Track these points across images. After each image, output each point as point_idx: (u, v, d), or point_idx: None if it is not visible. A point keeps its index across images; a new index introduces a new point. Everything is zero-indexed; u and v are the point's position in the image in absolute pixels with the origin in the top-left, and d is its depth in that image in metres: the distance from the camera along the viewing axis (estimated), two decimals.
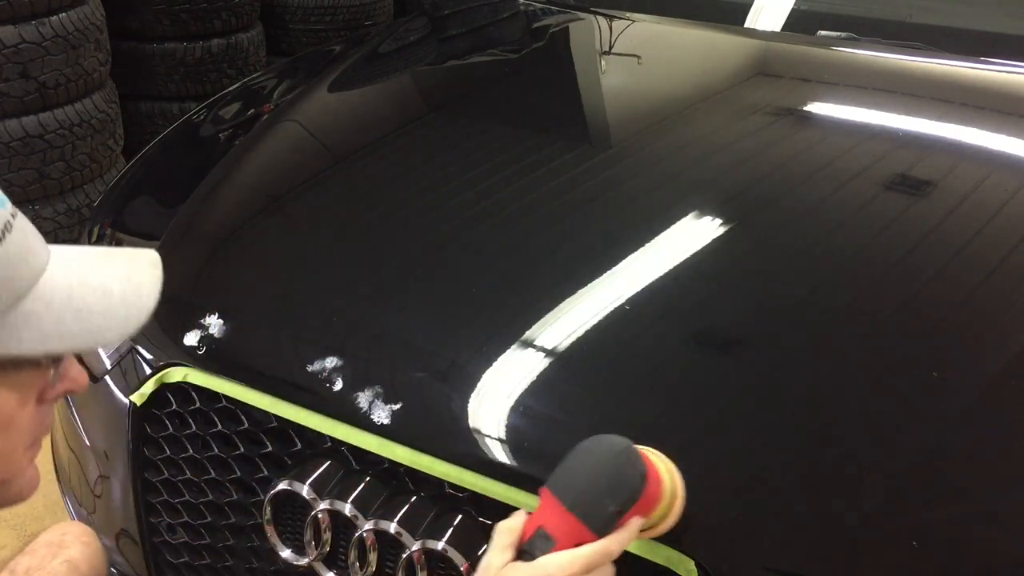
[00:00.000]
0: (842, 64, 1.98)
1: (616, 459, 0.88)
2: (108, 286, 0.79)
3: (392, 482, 1.14)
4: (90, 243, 1.62)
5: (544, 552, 0.85)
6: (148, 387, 1.30)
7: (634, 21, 2.16)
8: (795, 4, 2.11)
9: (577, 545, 0.86)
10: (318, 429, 1.17)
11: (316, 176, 1.69)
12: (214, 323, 1.31)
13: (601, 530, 0.87)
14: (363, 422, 1.14)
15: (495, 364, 1.16)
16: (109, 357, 1.40)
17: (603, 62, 2.08)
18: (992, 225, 1.39)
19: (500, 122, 1.85)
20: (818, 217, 1.44)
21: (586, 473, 0.88)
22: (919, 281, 1.29)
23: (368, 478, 1.15)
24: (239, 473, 1.25)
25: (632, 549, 0.98)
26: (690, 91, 1.90)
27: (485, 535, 1.06)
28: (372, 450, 1.13)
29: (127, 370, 1.36)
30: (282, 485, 1.15)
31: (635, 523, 0.90)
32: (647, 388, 1.15)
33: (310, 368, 1.20)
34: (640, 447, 0.93)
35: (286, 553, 1.18)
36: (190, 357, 1.29)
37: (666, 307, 1.25)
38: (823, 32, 2.02)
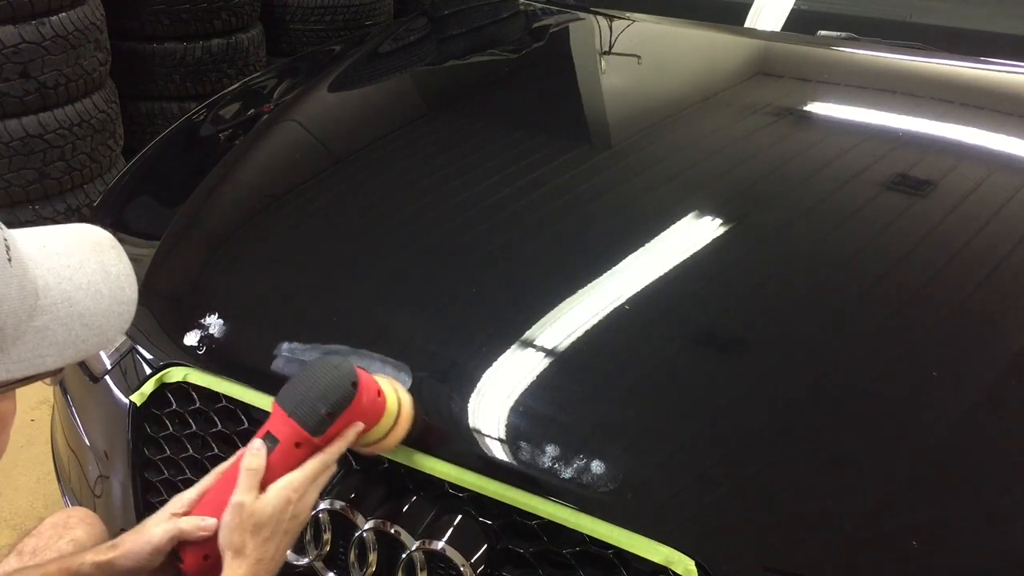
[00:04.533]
0: (842, 64, 1.97)
1: (330, 371, 1.00)
2: (95, 285, 0.79)
3: (392, 482, 1.14)
4: None
5: (271, 451, 0.98)
6: (148, 387, 1.30)
7: (634, 21, 2.16)
8: (795, 4, 2.11)
9: (297, 445, 0.99)
10: None
11: (316, 176, 1.69)
12: (214, 323, 1.31)
13: (315, 430, 0.99)
14: None
15: (495, 364, 1.16)
16: (109, 357, 1.40)
17: (603, 62, 2.08)
18: (992, 225, 1.39)
19: (500, 122, 1.85)
20: (818, 217, 1.44)
21: (305, 384, 1.00)
22: (919, 281, 1.29)
23: (369, 478, 1.15)
24: None
25: (631, 549, 0.98)
26: (690, 91, 1.90)
27: (485, 535, 1.07)
28: None
29: (127, 370, 1.36)
30: None
31: (352, 430, 1.01)
32: (647, 388, 1.15)
33: None
34: (375, 375, 1.05)
35: None
36: (190, 357, 1.29)
37: (666, 307, 1.25)
38: (823, 32, 2.02)
